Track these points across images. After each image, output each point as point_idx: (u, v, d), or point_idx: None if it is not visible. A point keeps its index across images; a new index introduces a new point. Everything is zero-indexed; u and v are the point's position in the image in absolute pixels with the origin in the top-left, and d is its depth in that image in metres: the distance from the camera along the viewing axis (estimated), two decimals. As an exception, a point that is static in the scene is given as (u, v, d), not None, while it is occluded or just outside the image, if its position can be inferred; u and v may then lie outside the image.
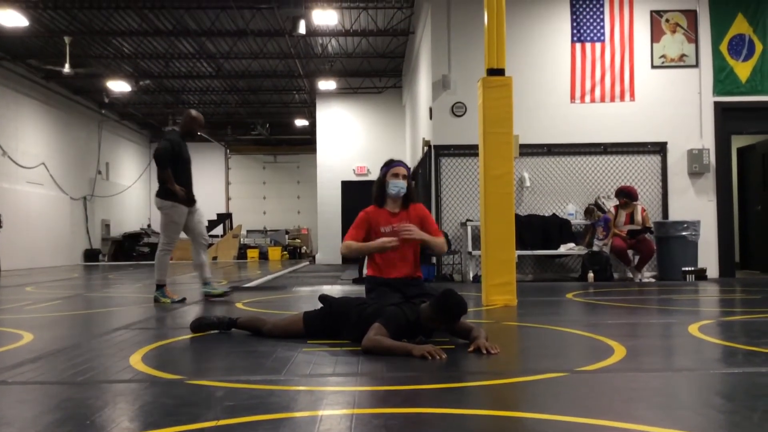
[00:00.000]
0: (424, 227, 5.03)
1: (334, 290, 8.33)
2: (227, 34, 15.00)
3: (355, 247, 4.92)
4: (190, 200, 7.02)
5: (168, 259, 7.07)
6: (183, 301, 6.99)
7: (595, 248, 9.85)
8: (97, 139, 21.75)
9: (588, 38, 10.54)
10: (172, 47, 16.22)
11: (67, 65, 15.14)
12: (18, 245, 16.42)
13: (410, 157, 15.72)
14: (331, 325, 4.14)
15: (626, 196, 9.91)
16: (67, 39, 14.72)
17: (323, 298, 4.31)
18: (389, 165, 5.08)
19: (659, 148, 10.51)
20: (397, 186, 4.95)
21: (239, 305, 6.56)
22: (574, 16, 10.56)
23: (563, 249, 10.00)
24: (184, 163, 6.99)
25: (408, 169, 5.17)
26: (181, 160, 6.94)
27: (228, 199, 27.45)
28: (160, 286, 6.97)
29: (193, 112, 7.21)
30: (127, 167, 24.58)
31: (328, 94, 19.34)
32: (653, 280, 9.84)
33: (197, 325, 4.50)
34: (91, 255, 20.83)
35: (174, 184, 6.81)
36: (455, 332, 3.96)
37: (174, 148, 6.88)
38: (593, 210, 10.02)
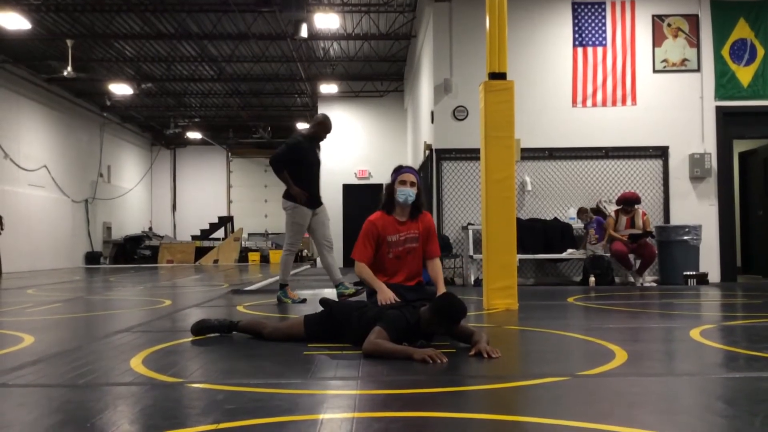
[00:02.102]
0: (428, 240, 5.02)
1: (336, 294, 8.31)
2: (229, 38, 15.03)
3: (365, 277, 4.90)
4: (314, 202, 7.11)
5: (292, 260, 7.19)
6: (304, 301, 7.01)
7: (588, 251, 9.84)
8: (98, 142, 21.78)
9: (590, 42, 10.55)
10: (174, 50, 16.25)
11: (69, 68, 15.17)
12: (19, 248, 16.43)
13: (412, 160, 15.73)
14: (331, 329, 4.13)
15: (628, 203, 9.89)
16: (69, 42, 14.74)
17: (324, 301, 4.31)
18: (398, 171, 5.02)
19: (661, 153, 10.51)
20: (405, 194, 4.91)
21: (240, 308, 6.56)
22: (576, 21, 10.57)
23: (566, 254, 9.99)
24: (308, 166, 7.10)
25: (418, 175, 5.12)
26: (305, 162, 7.03)
27: (229, 202, 27.45)
28: (283, 286, 7.07)
29: (321, 116, 7.29)
30: (129, 170, 24.61)
31: (330, 98, 19.36)
32: (654, 284, 9.83)
33: (198, 329, 4.50)
34: (92, 258, 20.84)
35: (293, 187, 6.95)
36: (456, 336, 3.95)
37: (292, 151, 6.99)
38: (586, 210, 10.02)
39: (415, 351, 3.55)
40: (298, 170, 6.97)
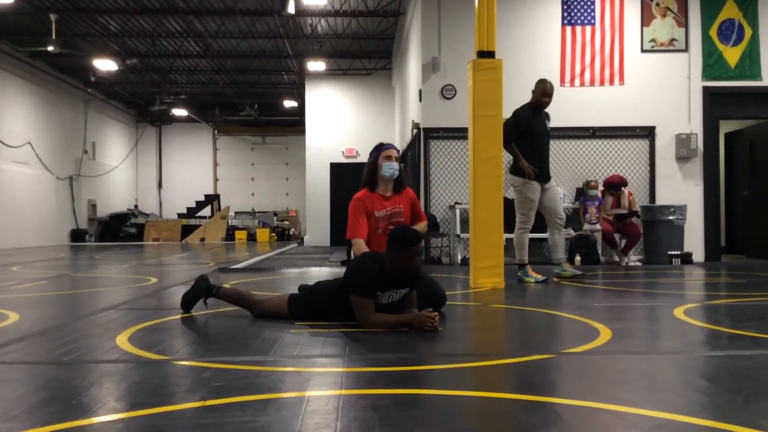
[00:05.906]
0: (414, 211, 5.08)
1: (323, 272, 8.33)
2: (215, 13, 14.84)
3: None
4: (543, 176, 6.90)
5: (527, 238, 6.96)
6: (546, 281, 6.75)
7: (586, 230, 9.83)
8: (83, 119, 21.54)
9: (578, 21, 10.51)
10: (160, 26, 16.04)
11: (53, 43, 14.95)
12: (4, 225, 16.30)
13: (399, 139, 15.68)
14: (316, 309, 4.13)
15: (614, 188, 9.91)
16: (53, 16, 14.51)
17: (302, 288, 4.38)
18: (380, 148, 5.07)
19: (647, 133, 10.53)
20: (391, 168, 4.93)
21: (227, 286, 6.54)
22: (565, -1, 10.51)
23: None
24: (537, 138, 6.86)
25: (398, 151, 5.18)
26: (531, 134, 6.81)
27: (216, 180, 27.31)
28: (522, 266, 6.88)
29: (541, 81, 6.90)
30: (114, 147, 24.38)
31: (318, 75, 19.21)
32: (639, 263, 9.91)
33: (185, 303, 4.52)
34: (77, 235, 20.71)
35: (521, 160, 6.77)
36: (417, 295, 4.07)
37: (520, 123, 6.80)
38: (597, 185, 9.93)
39: (412, 318, 3.73)
40: (526, 143, 6.79)
